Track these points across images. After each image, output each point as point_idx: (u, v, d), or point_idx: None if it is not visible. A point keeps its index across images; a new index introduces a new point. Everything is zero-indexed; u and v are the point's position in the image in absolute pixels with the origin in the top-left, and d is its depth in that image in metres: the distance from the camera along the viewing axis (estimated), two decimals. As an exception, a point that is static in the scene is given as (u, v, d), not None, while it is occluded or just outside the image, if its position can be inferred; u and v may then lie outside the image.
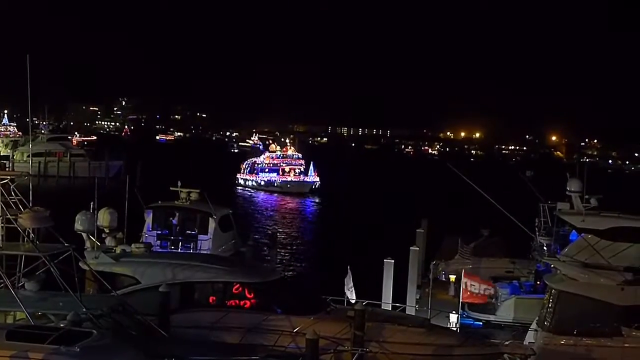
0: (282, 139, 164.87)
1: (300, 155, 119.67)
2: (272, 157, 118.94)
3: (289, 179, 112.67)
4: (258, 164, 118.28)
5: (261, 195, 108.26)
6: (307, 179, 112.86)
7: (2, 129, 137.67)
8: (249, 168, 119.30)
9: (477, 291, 27.96)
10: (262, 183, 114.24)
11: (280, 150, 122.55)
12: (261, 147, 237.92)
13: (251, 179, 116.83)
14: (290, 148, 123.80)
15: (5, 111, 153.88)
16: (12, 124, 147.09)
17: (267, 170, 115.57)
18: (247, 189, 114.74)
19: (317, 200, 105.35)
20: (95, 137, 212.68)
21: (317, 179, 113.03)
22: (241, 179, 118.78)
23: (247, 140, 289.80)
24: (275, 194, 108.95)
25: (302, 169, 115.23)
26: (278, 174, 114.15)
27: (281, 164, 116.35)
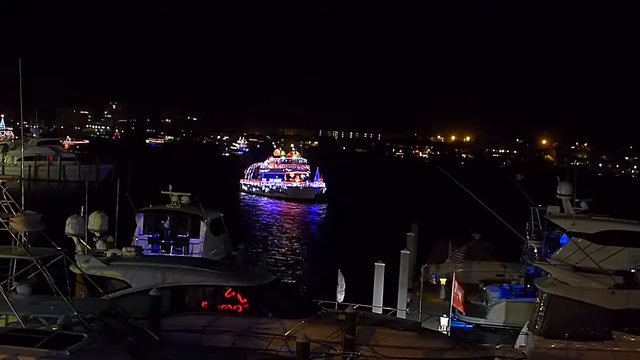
0: (273, 142, 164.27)
1: (305, 160, 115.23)
2: (277, 162, 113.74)
3: (294, 184, 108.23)
4: (262, 169, 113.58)
5: (264, 202, 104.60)
6: (312, 184, 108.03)
7: None
8: (252, 173, 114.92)
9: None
10: (266, 189, 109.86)
11: (285, 155, 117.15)
12: (247, 150, 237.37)
13: (255, 184, 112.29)
14: (295, 153, 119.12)
15: (2, 115, 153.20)
16: (8, 128, 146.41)
17: (271, 176, 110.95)
18: (250, 195, 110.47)
19: (321, 207, 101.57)
20: (87, 141, 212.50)
21: (324, 184, 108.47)
22: (244, 184, 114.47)
23: (234, 144, 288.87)
24: (280, 201, 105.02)
25: (308, 175, 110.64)
26: (283, 179, 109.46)
27: (286, 169, 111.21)
